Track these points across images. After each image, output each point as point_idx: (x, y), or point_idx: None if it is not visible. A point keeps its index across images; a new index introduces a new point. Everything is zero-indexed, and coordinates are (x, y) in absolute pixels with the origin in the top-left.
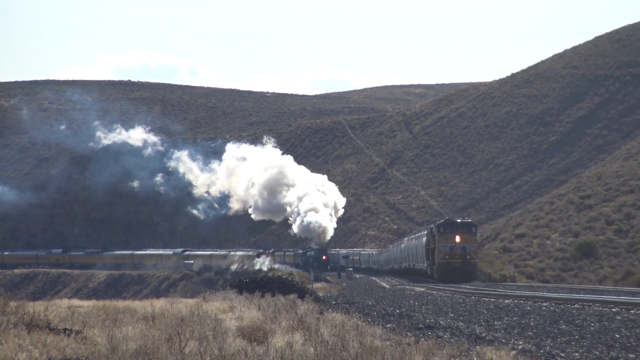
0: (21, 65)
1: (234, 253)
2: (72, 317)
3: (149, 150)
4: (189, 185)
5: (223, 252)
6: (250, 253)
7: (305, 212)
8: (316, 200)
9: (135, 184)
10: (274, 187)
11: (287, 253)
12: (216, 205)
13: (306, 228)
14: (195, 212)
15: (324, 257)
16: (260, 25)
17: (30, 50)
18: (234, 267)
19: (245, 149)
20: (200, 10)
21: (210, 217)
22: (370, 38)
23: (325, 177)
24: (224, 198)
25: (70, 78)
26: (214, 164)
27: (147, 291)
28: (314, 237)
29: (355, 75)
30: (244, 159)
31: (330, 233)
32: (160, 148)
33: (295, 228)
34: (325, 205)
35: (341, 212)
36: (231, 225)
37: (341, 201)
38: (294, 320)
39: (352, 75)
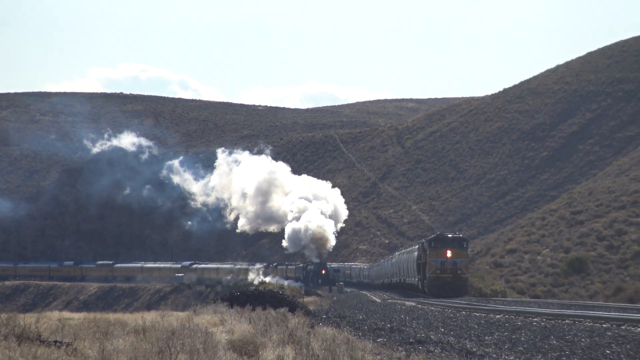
0: (12, 77)
1: (239, 267)
2: (63, 330)
3: (145, 155)
4: (182, 196)
5: (228, 266)
6: (257, 266)
7: (304, 219)
8: (315, 207)
9: (127, 194)
10: (267, 190)
11: (289, 267)
12: (210, 218)
13: (304, 236)
14: (189, 223)
15: (323, 271)
16: (251, 39)
17: (20, 63)
18: (226, 279)
19: (239, 155)
20: (191, 24)
21: (203, 229)
22: (361, 52)
23: (329, 184)
24: (218, 209)
25: (61, 90)
26: (208, 176)
27: (138, 304)
28: (312, 246)
29: (345, 89)
30: (237, 162)
31: (332, 242)
32: (155, 153)
33: (286, 240)
34: (325, 214)
35: (343, 221)
36: (223, 238)
37: (343, 210)
38: (284, 334)
39: (342, 89)
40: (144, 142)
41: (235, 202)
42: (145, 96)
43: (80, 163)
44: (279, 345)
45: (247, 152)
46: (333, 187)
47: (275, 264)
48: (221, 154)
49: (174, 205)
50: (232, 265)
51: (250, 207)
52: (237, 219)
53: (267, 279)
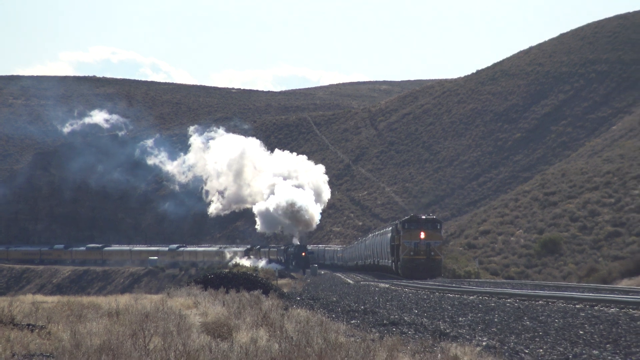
0: None
1: (226, 249)
2: (37, 313)
3: (122, 132)
4: (156, 179)
5: (215, 248)
6: (241, 249)
7: (279, 196)
8: (290, 184)
9: (100, 178)
10: (240, 170)
11: (271, 249)
12: (185, 200)
13: (280, 215)
14: (166, 205)
15: (302, 254)
16: (221, 22)
17: None
18: (202, 262)
19: (214, 132)
20: (162, 6)
21: (178, 212)
22: (333, 35)
23: (307, 160)
24: (193, 191)
25: (34, 74)
26: (182, 156)
27: (112, 287)
28: (288, 222)
29: (317, 72)
30: (212, 139)
31: (315, 219)
32: (130, 129)
33: (259, 222)
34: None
35: (326, 199)
36: (198, 221)
37: (325, 188)
38: (258, 316)
39: (314, 71)
40: (115, 118)
41: (210, 182)
42: (118, 79)
43: (53, 146)
44: (252, 327)
45: (222, 129)
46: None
47: (258, 246)
48: (194, 133)
49: (148, 187)
50: (219, 248)
51: (223, 187)
52: (211, 201)
53: (248, 262)
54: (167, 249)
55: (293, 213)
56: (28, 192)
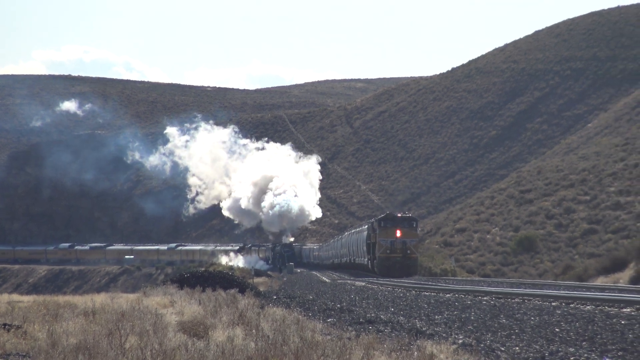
0: None
1: (219, 248)
2: (12, 312)
3: (97, 131)
4: (132, 177)
5: (210, 247)
6: (235, 248)
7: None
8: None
9: (77, 176)
10: (226, 169)
11: (260, 248)
12: (163, 199)
13: (274, 215)
14: (144, 205)
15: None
16: (194, 20)
17: None
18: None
19: (193, 127)
20: (134, 4)
21: (155, 211)
22: (306, 33)
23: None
24: (172, 190)
25: (5, 73)
26: (158, 155)
27: (88, 287)
28: (282, 223)
29: (290, 69)
30: (191, 135)
31: (308, 213)
32: (101, 120)
33: (265, 220)
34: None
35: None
36: (174, 220)
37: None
38: (234, 315)
39: (287, 70)
40: (89, 107)
41: (192, 176)
42: (93, 78)
43: (29, 145)
44: (229, 326)
45: (202, 123)
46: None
47: (249, 245)
48: (172, 129)
49: (124, 186)
50: (214, 247)
51: (206, 180)
52: (193, 199)
53: (239, 262)
54: (166, 247)
55: (281, 214)
56: (4, 191)
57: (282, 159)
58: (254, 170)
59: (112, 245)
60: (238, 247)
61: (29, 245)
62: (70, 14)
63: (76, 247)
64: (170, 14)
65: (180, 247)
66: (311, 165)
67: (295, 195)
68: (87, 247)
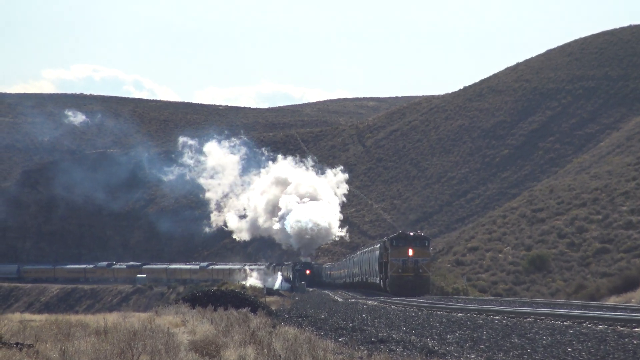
0: None
1: (248, 267)
2: (25, 331)
3: (110, 150)
4: (144, 197)
5: (238, 266)
6: (262, 267)
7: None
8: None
9: (88, 195)
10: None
11: (283, 266)
12: (176, 219)
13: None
14: (155, 223)
15: (307, 272)
16: (204, 39)
17: None
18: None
19: (207, 146)
20: (143, 23)
21: (168, 230)
22: (317, 51)
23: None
24: (185, 209)
25: (17, 92)
26: (172, 174)
27: (100, 305)
28: (302, 241)
29: (300, 88)
30: (204, 154)
31: (330, 229)
32: (110, 124)
33: (291, 237)
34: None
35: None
36: (185, 238)
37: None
38: (246, 334)
39: (297, 88)
40: (99, 118)
41: (209, 192)
42: (104, 96)
43: (40, 164)
44: (240, 345)
45: (215, 142)
46: None
47: (274, 264)
48: (186, 141)
49: (136, 204)
50: (242, 266)
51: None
52: (209, 215)
53: (265, 282)
54: (198, 267)
55: (300, 233)
56: (16, 209)
57: (303, 171)
58: (271, 180)
59: (148, 264)
60: (264, 267)
61: (69, 263)
62: (79, 33)
63: (113, 267)
64: (181, 33)
65: (211, 267)
66: (338, 178)
67: (317, 211)
68: (124, 266)
